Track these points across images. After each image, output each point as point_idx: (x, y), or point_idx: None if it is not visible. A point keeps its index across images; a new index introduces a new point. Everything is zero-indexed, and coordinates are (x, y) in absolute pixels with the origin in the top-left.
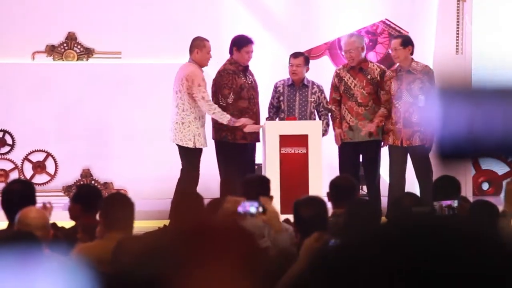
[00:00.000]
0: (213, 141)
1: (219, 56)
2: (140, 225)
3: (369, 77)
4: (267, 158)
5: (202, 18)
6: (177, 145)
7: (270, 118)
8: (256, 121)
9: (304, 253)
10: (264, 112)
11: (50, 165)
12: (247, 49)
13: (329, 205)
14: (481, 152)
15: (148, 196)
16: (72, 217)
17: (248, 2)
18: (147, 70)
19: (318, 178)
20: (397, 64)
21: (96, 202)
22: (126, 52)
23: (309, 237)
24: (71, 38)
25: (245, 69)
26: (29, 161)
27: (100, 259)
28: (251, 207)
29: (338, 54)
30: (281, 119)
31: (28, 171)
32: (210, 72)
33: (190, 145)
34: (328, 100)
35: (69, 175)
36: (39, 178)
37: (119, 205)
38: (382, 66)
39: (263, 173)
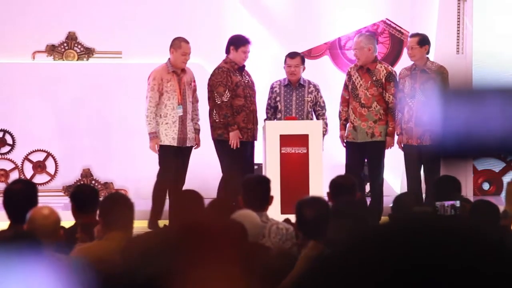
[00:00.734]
0: (211, 140)
1: (220, 57)
2: (140, 225)
3: (374, 78)
4: (268, 158)
5: (203, 18)
6: None
7: (268, 119)
8: (253, 120)
9: (300, 263)
10: (261, 111)
11: (50, 165)
12: (244, 49)
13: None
14: (481, 152)
15: (149, 196)
16: (73, 216)
17: (249, 2)
18: (148, 70)
19: (319, 178)
20: (412, 62)
21: (92, 201)
22: (127, 52)
23: (306, 246)
24: (71, 38)
25: (241, 68)
26: (29, 161)
27: (100, 259)
28: None
29: (338, 54)
30: (278, 119)
31: (28, 171)
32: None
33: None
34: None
35: (69, 175)
36: (39, 178)
37: (119, 205)
38: (390, 68)
39: (263, 173)
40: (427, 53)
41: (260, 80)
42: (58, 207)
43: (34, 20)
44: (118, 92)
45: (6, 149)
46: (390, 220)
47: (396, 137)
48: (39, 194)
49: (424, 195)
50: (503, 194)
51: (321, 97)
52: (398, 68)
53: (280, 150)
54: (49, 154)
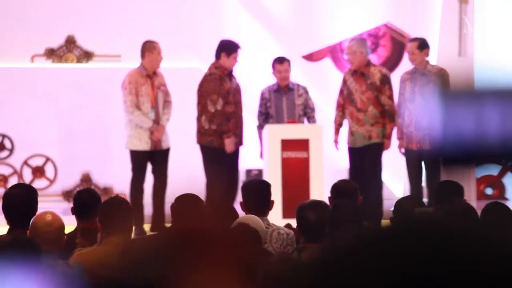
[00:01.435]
0: (197, 145)
1: None
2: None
3: (368, 82)
4: (269, 162)
5: (202, 22)
6: None
7: (260, 126)
8: (241, 125)
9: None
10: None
11: (49, 170)
12: (235, 55)
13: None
14: (482, 157)
15: (149, 200)
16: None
17: (250, 5)
18: None
19: (320, 183)
20: (413, 66)
21: (93, 206)
22: (126, 55)
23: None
24: (70, 41)
25: (230, 73)
26: (29, 165)
27: (99, 264)
28: None
29: (340, 57)
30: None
31: (27, 175)
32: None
33: (129, 146)
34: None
35: (68, 179)
36: (39, 183)
37: (117, 209)
38: (384, 70)
39: (264, 178)
40: (427, 56)
41: (260, 83)
42: (57, 212)
43: (33, 23)
44: (117, 96)
45: (5, 153)
46: (391, 223)
47: (397, 142)
48: (38, 199)
49: (425, 200)
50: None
51: (310, 99)
52: (399, 72)
53: (281, 155)
54: (48, 159)
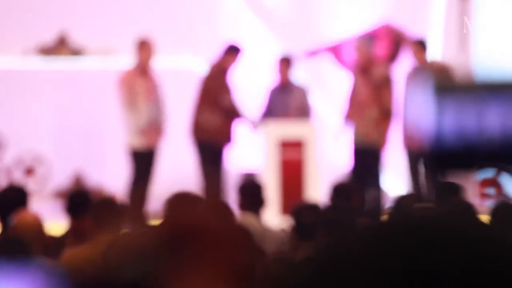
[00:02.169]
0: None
1: None
2: None
3: (371, 80)
4: (266, 161)
5: (201, 18)
6: None
7: (260, 123)
8: (231, 124)
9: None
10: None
11: (41, 169)
12: (237, 56)
13: None
14: (481, 161)
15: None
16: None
17: (250, 2)
18: None
19: (317, 182)
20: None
21: (85, 207)
22: (120, 52)
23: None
24: (63, 38)
25: (229, 73)
26: (21, 165)
27: (88, 263)
28: None
29: (340, 55)
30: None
31: (19, 175)
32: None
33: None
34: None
35: (61, 179)
36: (31, 183)
37: (108, 209)
38: (388, 70)
39: (261, 178)
40: (428, 54)
41: (260, 81)
42: (49, 212)
43: (25, 20)
44: (110, 95)
45: None
46: (388, 219)
47: (397, 141)
48: (30, 198)
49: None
50: None
51: (308, 99)
52: (399, 70)
53: (278, 155)
54: (40, 158)
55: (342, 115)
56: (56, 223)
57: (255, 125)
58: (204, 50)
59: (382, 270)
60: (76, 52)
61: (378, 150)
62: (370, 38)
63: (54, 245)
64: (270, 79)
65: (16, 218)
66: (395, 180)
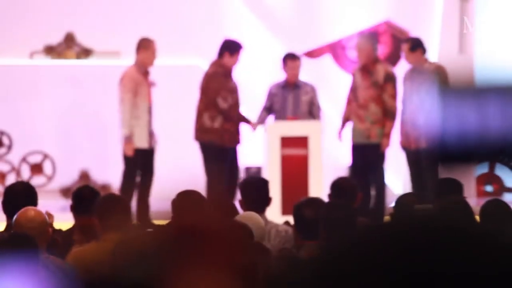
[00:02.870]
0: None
1: None
2: None
3: (373, 79)
4: (268, 159)
5: (203, 18)
6: None
7: (259, 121)
8: (235, 125)
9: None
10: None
11: (47, 167)
12: (238, 54)
13: None
14: (481, 155)
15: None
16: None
17: (250, 2)
18: None
19: (319, 180)
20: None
21: (92, 203)
22: (125, 52)
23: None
24: (69, 38)
25: (230, 72)
26: (27, 162)
27: (96, 261)
28: None
29: (340, 55)
30: (276, 120)
31: (25, 172)
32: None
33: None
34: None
35: (67, 177)
36: (37, 180)
37: (114, 206)
38: (390, 69)
39: (263, 175)
40: (424, 53)
41: (261, 80)
42: (56, 209)
43: (32, 20)
44: (116, 93)
45: (3, 150)
46: (390, 219)
47: (397, 140)
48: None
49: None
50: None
51: (317, 98)
52: (399, 69)
53: (281, 152)
54: (46, 156)
55: (343, 113)
56: (62, 221)
57: (254, 126)
58: (207, 51)
59: (384, 270)
60: (82, 53)
61: (381, 148)
62: (372, 35)
63: (60, 241)
64: (272, 79)
65: (19, 214)
66: (396, 178)
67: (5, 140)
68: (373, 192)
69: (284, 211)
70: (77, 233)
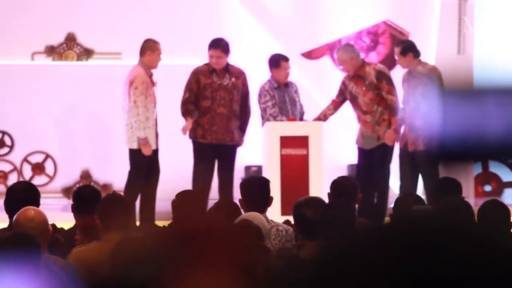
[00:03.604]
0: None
1: None
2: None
3: (367, 82)
4: (268, 159)
5: (203, 19)
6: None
7: (267, 120)
8: (219, 122)
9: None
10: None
11: (49, 167)
12: (209, 53)
13: None
14: (481, 154)
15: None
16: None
17: (250, 3)
18: None
19: (319, 180)
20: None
21: (93, 202)
22: (126, 52)
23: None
24: (70, 39)
25: (224, 71)
26: (28, 162)
27: (97, 261)
28: None
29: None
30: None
31: (27, 172)
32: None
33: (135, 146)
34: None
35: (68, 176)
36: (38, 180)
37: (116, 206)
38: (379, 66)
39: (263, 175)
40: (415, 57)
41: (261, 80)
42: (57, 209)
43: (33, 20)
44: (117, 93)
45: (5, 150)
46: (390, 220)
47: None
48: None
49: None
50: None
51: (299, 95)
52: (399, 69)
53: (280, 152)
54: (48, 156)
55: (330, 108)
56: (64, 220)
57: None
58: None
59: (384, 270)
60: (83, 54)
61: (386, 151)
62: (347, 44)
63: (61, 241)
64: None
65: (19, 214)
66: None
67: (7, 140)
68: (376, 192)
69: (284, 211)
70: (79, 233)
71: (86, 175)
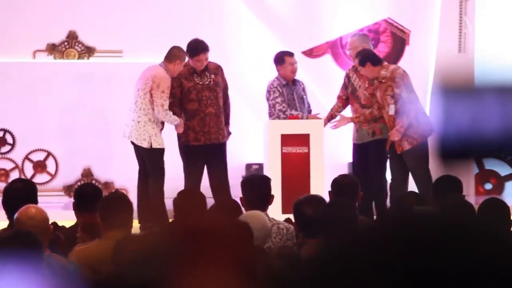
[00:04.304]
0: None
1: (223, 57)
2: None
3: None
4: (269, 157)
5: (205, 18)
6: (132, 142)
7: (285, 116)
8: (210, 122)
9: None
10: (262, 111)
11: (50, 165)
12: (199, 58)
13: None
14: (481, 152)
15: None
16: (75, 214)
17: (251, 1)
18: None
19: (320, 178)
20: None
21: (95, 200)
22: (128, 51)
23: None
24: (72, 37)
25: (202, 69)
26: (30, 160)
27: (98, 259)
28: None
29: (340, 53)
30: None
31: (28, 170)
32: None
33: (145, 145)
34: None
35: (70, 174)
36: (40, 178)
37: (117, 204)
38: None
39: (264, 173)
40: (375, 64)
41: (261, 79)
42: (59, 207)
43: (34, 19)
44: (119, 91)
45: (6, 148)
46: (391, 218)
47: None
48: (40, 194)
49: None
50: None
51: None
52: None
53: (281, 150)
54: (49, 154)
55: (339, 106)
56: (65, 218)
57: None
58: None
59: (385, 268)
60: (85, 52)
61: (382, 147)
62: (365, 34)
63: (62, 239)
64: (269, 76)
65: (20, 212)
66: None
67: (8, 138)
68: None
69: (285, 210)
70: (80, 230)
71: (87, 173)
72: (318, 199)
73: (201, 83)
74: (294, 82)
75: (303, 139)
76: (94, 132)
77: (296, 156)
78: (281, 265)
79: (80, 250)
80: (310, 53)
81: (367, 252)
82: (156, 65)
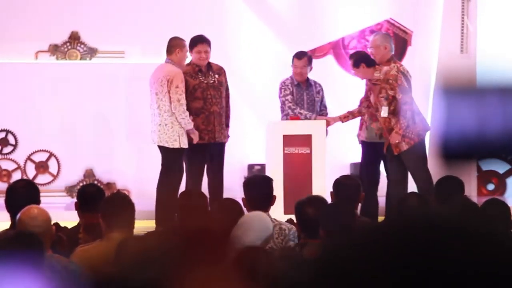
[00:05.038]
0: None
1: (223, 57)
2: (144, 225)
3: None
4: (270, 158)
5: (206, 18)
6: (162, 147)
7: (294, 115)
8: (214, 121)
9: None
10: (268, 110)
11: (53, 165)
12: (197, 49)
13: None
14: (484, 152)
15: (152, 196)
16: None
17: (253, 1)
18: (151, 69)
19: (322, 178)
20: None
21: (97, 201)
22: (130, 51)
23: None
24: (74, 38)
25: (207, 68)
26: (32, 161)
27: (101, 260)
28: None
29: (342, 54)
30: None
31: (30, 171)
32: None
33: (176, 145)
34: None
35: (72, 175)
36: (42, 178)
37: (119, 205)
38: (403, 68)
39: (266, 173)
40: (369, 66)
41: (264, 79)
42: (61, 208)
43: (37, 19)
44: (121, 92)
45: (8, 149)
46: (394, 218)
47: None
48: (42, 194)
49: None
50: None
51: (323, 96)
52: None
53: (283, 150)
54: (51, 154)
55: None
56: (67, 219)
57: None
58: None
59: (387, 269)
60: (87, 52)
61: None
62: (387, 34)
63: (65, 240)
64: (273, 78)
65: (22, 213)
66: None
67: (11, 139)
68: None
69: (287, 210)
70: (82, 231)
71: (89, 173)
72: (319, 199)
73: (206, 81)
74: (308, 83)
75: (305, 140)
76: (96, 133)
77: (298, 156)
78: (283, 266)
79: (82, 251)
80: (312, 53)
81: (369, 252)
82: (163, 64)
